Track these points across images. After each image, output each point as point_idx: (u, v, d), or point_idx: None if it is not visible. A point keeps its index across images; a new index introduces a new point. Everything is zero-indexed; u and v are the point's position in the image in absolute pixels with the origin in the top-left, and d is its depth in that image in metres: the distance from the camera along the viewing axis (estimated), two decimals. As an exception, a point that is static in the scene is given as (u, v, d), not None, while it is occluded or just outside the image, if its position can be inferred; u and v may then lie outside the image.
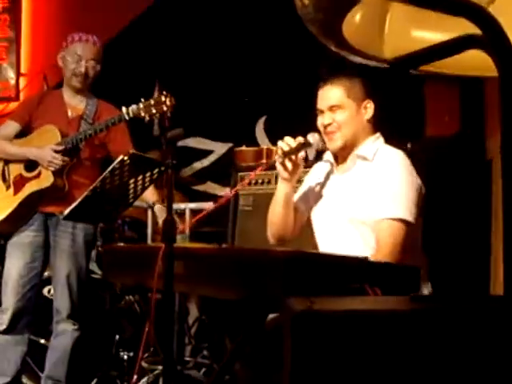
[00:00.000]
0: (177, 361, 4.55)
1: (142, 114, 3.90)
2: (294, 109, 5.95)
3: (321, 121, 3.20)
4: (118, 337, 4.69)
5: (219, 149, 6.58)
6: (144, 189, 3.99)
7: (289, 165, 3.16)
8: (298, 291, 1.93)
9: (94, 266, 4.89)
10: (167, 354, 2.89)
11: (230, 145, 6.18)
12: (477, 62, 1.25)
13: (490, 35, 1.08)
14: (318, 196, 3.30)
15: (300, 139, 3.14)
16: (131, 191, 3.84)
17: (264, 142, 6.05)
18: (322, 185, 3.31)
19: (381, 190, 3.00)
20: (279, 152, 3.13)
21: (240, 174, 4.58)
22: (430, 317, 1.43)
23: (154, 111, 3.86)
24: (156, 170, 3.87)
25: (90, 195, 3.50)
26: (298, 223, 3.34)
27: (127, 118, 4.02)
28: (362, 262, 2.11)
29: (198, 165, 6.64)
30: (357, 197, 3.07)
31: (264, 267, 2.07)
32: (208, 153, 6.66)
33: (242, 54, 6.45)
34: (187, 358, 4.96)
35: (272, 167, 4.39)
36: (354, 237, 3.04)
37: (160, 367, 4.41)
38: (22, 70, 7.20)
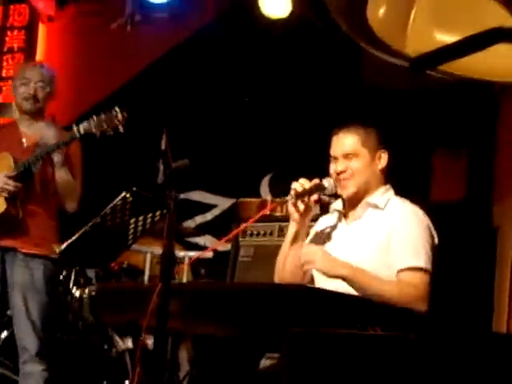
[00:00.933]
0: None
1: (94, 130, 3.78)
2: (300, 167, 5.94)
3: (334, 167, 3.17)
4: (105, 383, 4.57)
5: (223, 203, 6.54)
6: (144, 231, 3.94)
7: (301, 206, 3.12)
8: (301, 326, 1.85)
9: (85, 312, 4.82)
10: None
11: (234, 200, 6.13)
12: (502, 66, 1.21)
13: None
14: (325, 247, 3.23)
15: (315, 181, 3.11)
16: (131, 231, 3.80)
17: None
18: (329, 236, 3.25)
19: (397, 239, 2.97)
20: (292, 193, 3.09)
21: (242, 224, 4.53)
22: (431, 343, 1.37)
23: (105, 126, 3.76)
24: (158, 212, 3.83)
25: (89, 231, 3.45)
26: (305, 276, 3.25)
27: (78, 135, 3.88)
28: (365, 301, 2.04)
29: (201, 219, 6.59)
30: (369, 245, 3.03)
31: (262, 301, 2.00)
32: (211, 207, 6.62)
33: (250, 110, 6.46)
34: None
35: (274, 219, 4.39)
36: None
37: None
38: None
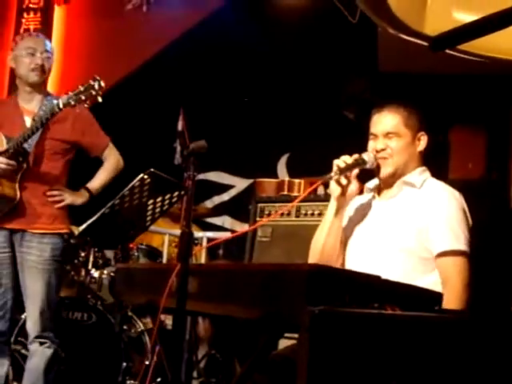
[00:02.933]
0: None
1: (72, 103, 3.70)
2: (316, 148, 5.94)
3: (373, 145, 3.15)
4: (124, 364, 4.60)
5: (240, 184, 6.55)
6: (162, 212, 3.94)
7: (344, 181, 3.10)
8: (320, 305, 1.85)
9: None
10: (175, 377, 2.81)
11: (251, 180, 6.14)
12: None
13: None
14: (358, 225, 3.22)
15: (355, 156, 3.10)
16: (149, 213, 3.80)
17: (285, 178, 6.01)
18: (364, 214, 3.24)
19: (436, 220, 2.97)
20: (335, 169, 3.07)
21: (260, 205, 4.53)
22: (451, 324, 1.37)
23: (83, 98, 3.70)
24: (176, 194, 3.83)
25: (108, 212, 3.45)
26: (341, 256, 3.25)
27: (58, 110, 3.77)
28: (383, 280, 2.04)
29: (218, 199, 6.60)
30: (405, 222, 3.02)
31: (282, 281, 2.01)
32: (228, 187, 6.63)
33: (267, 90, 6.46)
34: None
35: (291, 199, 4.38)
36: (394, 261, 2.98)
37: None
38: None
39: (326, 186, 3.60)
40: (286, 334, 2.92)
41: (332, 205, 3.19)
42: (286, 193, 4.65)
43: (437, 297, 2.09)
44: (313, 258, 3.23)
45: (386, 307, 1.98)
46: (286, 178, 4.99)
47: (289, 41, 6.42)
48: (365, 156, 3.11)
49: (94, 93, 3.66)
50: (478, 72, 4.44)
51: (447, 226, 2.96)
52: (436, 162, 5.43)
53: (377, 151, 3.12)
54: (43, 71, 4.09)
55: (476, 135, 5.59)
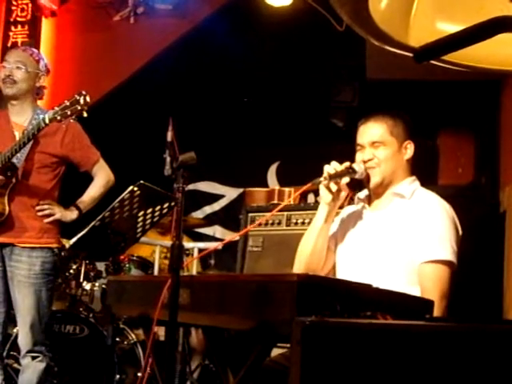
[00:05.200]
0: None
1: (58, 118, 3.69)
2: (306, 156, 5.95)
3: (360, 156, 3.16)
4: (118, 377, 4.59)
5: (230, 193, 6.56)
6: (153, 223, 3.94)
7: (333, 187, 3.11)
8: (312, 315, 1.86)
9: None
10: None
11: (241, 190, 6.15)
12: (507, 54, 1.20)
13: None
14: (348, 235, 3.23)
15: (346, 164, 3.11)
16: (140, 224, 3.79)
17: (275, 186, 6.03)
18: (353, 224, 3.25)
19: (423, 230, 2.97)
20: (324, 174, 3.08)
21: (250, 214, 4.53)
22: (443, 334, 1.37)
23: (69, 113, 3.69)
24: (166, 205, 3.82)
25: (98, 225, 3.45)
26: (327, 263, 3.27)
27: (44, 125, 3.76)
28: (374, 289, 2.05)
29: (209, 209, 6.61)
30: (394, 234, 3.03)
31: (273, 292, 2.01)
32: (219, 197, 6.64)
33: (256, 100, 6.48)
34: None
35: (282, 208, 4.38)
36: (383, 272, 2.98)
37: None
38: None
39: (317, 194, 3.60)
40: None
41: (321, 210, 3.20)
42: (276, 201, 4.66)
43: (427, 305, 2.10)
44: (300, 263, 3.25)
45: (378, 316, 1.99)
46: (276, 187, 5.01)
47: (277, 49, 6.44)
48: (355, 166, 3.12)
49: (79, 108, 3.66)
50: (465, 78, 4.46)
51: (435, 236, 2.96)
52: (426, 168, 5.48)
53: (364, 161, 3.13)
54: (14, 82, 4.07)
55: (465, 140, 5.62)
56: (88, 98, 3.66)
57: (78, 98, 3.67)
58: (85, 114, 3.67)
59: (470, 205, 4.91)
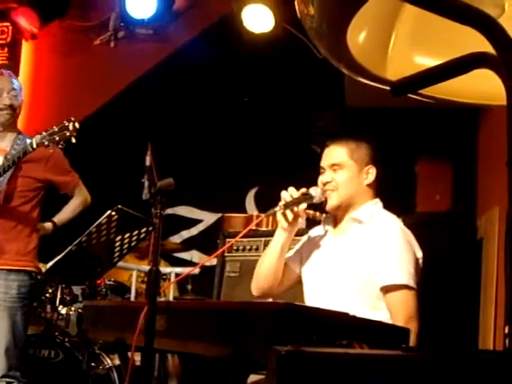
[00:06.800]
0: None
1: (46, 143, 3.72)
2: (284, 181, 5.95)
3: (321, 178, 3.17)
4: (93, 402, 4.54)
5: (208, 218, 6.55)
6: (130, 248, 3.93)
7: (289, 215, 3.12)
8: (288, 343, 1.85)
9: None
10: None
11: (220, 215, 6.14)
12: (484, 88, 1.21)
13: (503, 53, 1.02)
14: (312, 257, 3.25)
15: (303, 191, 3.11)
16: (117, 249, 3.78)
17: (253, 212, 6.03)
18: (317, 246, 3.26)
19: (379, 255, 2.96)
20: (281, 203, 3.09)
21: (228, 239, 4.52)
22: (418, 364, 1.37)
23: (57, 139, 3.71)
24: (144, 230, 3.82)
25: (75, 249, 3.44)
26: (284, 280, 3.28)
27: (31, 149, 3.79)
28: (351, 318, 2.04)
29: (187, 234, 6.59)
30: (352, 260, 3.02)
31: (250, 319, 2.00)
32: (197, 222, 6.63)
33: (234, 125, 6.49)
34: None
35: (259, 234, 4.39)
36: (344, 299, 2.98)
37: None
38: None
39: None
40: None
41: (278, 236, 3.22)
42: (254, 227, 4.65)
43: (404, 334, 2.10)
44: (257, 282, 3.31)
45: (354, 344, 1.99)
46: (255, 213, 5.01)
47: (258, 75, 6.46)
48: (312, 191, 3.13)
49: (67, 134, 3.67)
50: (443, 106, 4.49)
51: (390, 260, 2.95)
52: (403, 195, 5.52)
53: (323, 184, 3.14)
54: (13, 110, 4.10)
55: (443, 168, 5.65)
56: (77, 125, 3.68)
57: (66, 123, 3.68)
58: (73, 140, 3.68)
59: (447, 232, 4.95)
